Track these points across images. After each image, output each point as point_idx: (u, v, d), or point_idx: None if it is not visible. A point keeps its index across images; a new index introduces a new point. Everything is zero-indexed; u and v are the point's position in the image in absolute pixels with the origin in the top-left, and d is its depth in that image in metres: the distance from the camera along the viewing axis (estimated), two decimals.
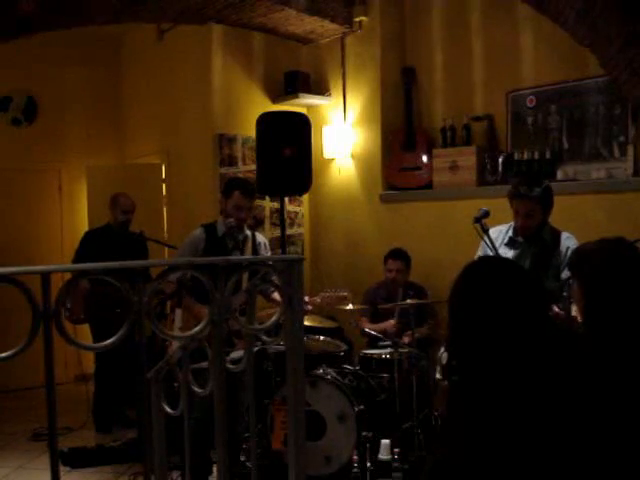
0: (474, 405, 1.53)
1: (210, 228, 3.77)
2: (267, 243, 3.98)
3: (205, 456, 3.55)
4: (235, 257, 3.51)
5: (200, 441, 3.10)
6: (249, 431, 1.91)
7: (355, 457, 3.49)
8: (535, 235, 3.29)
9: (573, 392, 1.51)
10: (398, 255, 4.54)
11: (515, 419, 1.46)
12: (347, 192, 5.59)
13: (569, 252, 3.31)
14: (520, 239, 3.41)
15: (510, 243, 3.47)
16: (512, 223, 3.50)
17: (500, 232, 3.54)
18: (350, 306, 4.03)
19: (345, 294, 3.79)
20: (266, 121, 3.69)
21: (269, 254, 3.95)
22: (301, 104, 5.62)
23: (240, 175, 5.39)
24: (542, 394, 1.48)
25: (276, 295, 3.70)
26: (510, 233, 3.48)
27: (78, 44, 5.98)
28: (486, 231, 3.27)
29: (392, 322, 4.29)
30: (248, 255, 3.73)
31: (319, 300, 3.75)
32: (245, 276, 3.24)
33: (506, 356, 1.52)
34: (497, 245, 3.47)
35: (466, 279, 1.68)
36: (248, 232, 3.81)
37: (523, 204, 3.27)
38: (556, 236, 3.34)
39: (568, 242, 3.34)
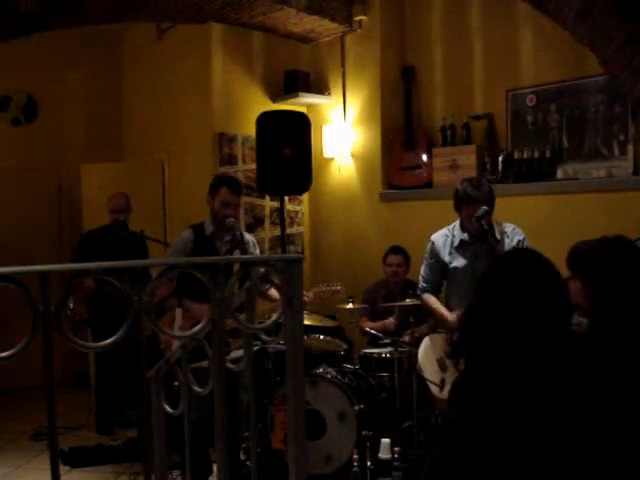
0: (476, 403, 1.53)
1: (198, 228, 3.74)
2: (255, 241, 3.95)
3: (205, 455, 3.55)
4: (235, 257, 3.51)
5: (198, 441, 3.10)
6: (249, 430, 1.91)
7: (355, 456, 3.49)
8: (482, 232, 3.30)
9: (578, 393, 1.51)
10: (398, 250, 4.56)
11: (516, 419, 1.46)
12: (347, 191, 5.59)
13: (523, 244, 3.40)
14: (470, 240, 3.47)
15: (461, 246, 3.50)
16: (454, 225, 3.56)
17: (446, 237, 3.58)
18: (350, 305, 4.03)
19: (338, 288, 3.77)
20: (266, 120, 3.69)
21: (258, 252, 3.92)
22: (301, 103, 5.62)
23: (240, 174, 5.40)
24: (546, 395, 1.48)
25: (272, 292, 3.68)
26: (457, 236, 3.52)
27: (78, 44, 5.98)
28: (486, 230, 3.28)
29: (391, 320, 4.29)
30: (237, 254, 3.69)
31: (311, 295, 3.71)
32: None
33: (517, 353, 1.51)
34: (446, 250, 3.51)
35: (500, 268, 1.67)
36: (236, 231, 3.77)
37: (477, 207, 3.31)
38: (501, 230, 3.39)
39: (517, 235, 3.43)
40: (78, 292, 4.59)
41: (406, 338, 4.09)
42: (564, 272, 2.09)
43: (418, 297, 3.76)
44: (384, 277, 4.62)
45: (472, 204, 3.34)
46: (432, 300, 3.67)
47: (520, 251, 2.21)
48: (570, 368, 1.53)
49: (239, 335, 2.91)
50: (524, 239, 3.45)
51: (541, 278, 1.59)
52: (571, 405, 1.48)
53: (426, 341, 3.73)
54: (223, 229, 3.67)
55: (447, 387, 3.52)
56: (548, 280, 1.59)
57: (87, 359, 5.47)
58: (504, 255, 1.92)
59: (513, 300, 1.56)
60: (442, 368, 3.59)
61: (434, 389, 3.60)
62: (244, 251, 3.66)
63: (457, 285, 3.54)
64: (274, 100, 5.61)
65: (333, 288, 3.75)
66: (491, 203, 3.37)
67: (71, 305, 4.56)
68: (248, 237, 3.89)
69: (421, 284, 3.73)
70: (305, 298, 3.66)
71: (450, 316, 3.50)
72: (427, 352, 3.68)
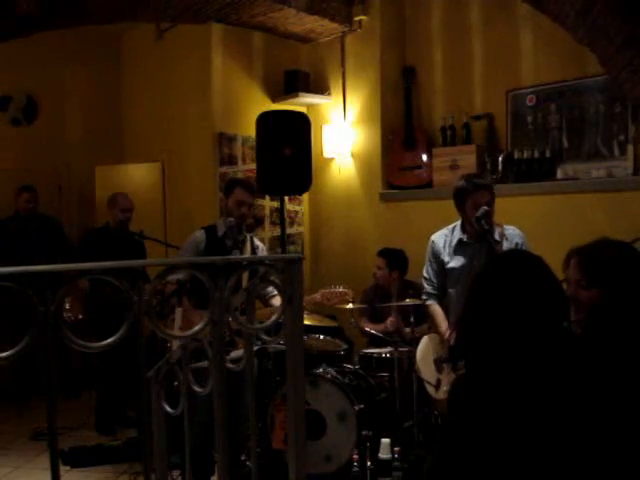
0: (476, 403, 1.53)
1: (210, 229, 3.79)
2: (264, 248, 3.98)
3: (207, 456, 3.55)
4: (235, 257, 3.51)
5: (204, 441, 3.11)
6: (249, 430, 1.92)
7: (355, 456, 3.49)
8: (482, 234, 3.29)
9: (579, 394, 1.51)
10: (381, 253, 4.55)
11: (517, 420, 1.46)
12: (347, 191, 5.60)
13: (521, 247, 3.38)
14: (469, 240, 3.45)
15: (460, 246, 3.49)
16: (455, 225, 3.54)
17: (445, 237, 3.56)
18: (350, 305, 4.03)
19: (346, 291, 3.78)
20: (266, 120, 3.69)
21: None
22: (301, 103, 5.62)
23: (240, 174, 5.40)
24: (546, 394, 1.48)
25: (274, 301, 3.70)
26: (456, 236, 3.51)
27: (78, 44, 5.98)
28: (487, 230, 3.28)
29: (391, 319, 4.28)
30: (237, 254, 3.72)
31: (319, 297, 3.73)
32: (245, 276, 3.24)
33: (516, 353, 1.51)
34: (446, 250, 3.50)
35: (494, 270, 1.67)
36: (247, 233, 3.83)
37: (482, 195, 3.31)
38: (501, 232, 3.38)
39: (517, 238, 3.41)
40: (73, 292, 4.59)
41: (407, 329, 4.08)
42: (563, 272, 2.10)
43: (423, 301, 3.68)
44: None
45: (479, 191, 3.31)
46: (436, 313, 3.58)
47: (512, 252, 2.22)
48: (571, 368, 1.53)
49: None
50: (523, 242, 3.42)
51: (535, 278, 1.59)
52: (572, 405, 1.48)
53: (424, 341, 3.72)
54: (231, 230, 3.70)
55: (443, 387, 3.52)
56: (542, 280, 1.60)
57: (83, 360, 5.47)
58: (496, 257, 1.93)
59: (508, 301, 1.56)
60: (438, 368, 3.59)
61: (430, 389, 3.60)
62: (242, 253, 3.68)
63: (454, 285, 3.52)
64: (274, 100, 5.62)
65: (341, 290, 3.76)
66: (493, 197, 3.37)
67: (67, 306, 4.55)
68: (258, 242, 3.94)
69: (425, 287, 3.64)
70: (314, 298, 3.70)
71: (447, 334, 3.46)
72: (424, 352, 3.68)
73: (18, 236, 5.22)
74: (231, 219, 3.72)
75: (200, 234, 3.77)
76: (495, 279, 1.62)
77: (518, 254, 1.84)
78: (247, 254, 3.78)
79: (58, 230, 5.52)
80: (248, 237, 3.83)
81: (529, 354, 1.51)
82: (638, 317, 1.82)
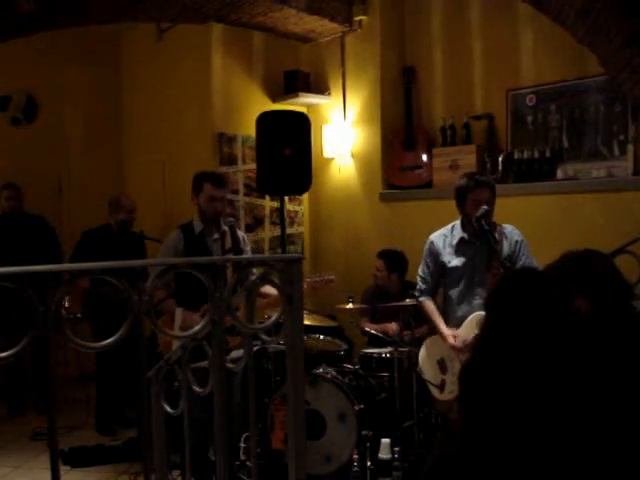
0: (480, 404, 1.53)
1: (187, 228, 3.73)
2: (245, 237, 3.93)
3: (204, 455, 3.54)
4: (235, 257, 3.51)
5: (201, 440, 3.11)
6: (249, 430, 1.92)
7: (355, 456, 3.48)
8: (483, 232, 3.30)
9: (581, 399, 1.51)
10: (381, 255, 4.53)
11: (520, 422, 1.46)
12: (347, 191, 5.60)
13: (520, 245, 3.43)
14: (470, 239, 3.46)
15: (461, 244, 3.49)
16: (454, 225, 3.55)
17: (445, 237, 3.57)
18: (350, 305, 4.03)
19: (332, 277, 3.76)
20: (266, 120, 3.69)
21: (249, 248, 3.91)
22: (301, 103, 5.62)
23: (240, 174, 5.40)
24: (550, 400, 1.48)
25: (265, 289, 3.64)
26: (456, 235, 3.51)
27: (78, 43, 5.97)
28: (487, 230, 3.28)
29: (394, 326, 4.26)
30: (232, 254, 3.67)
31: (304, 286, 3.69)
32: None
33: (528, 364, 1.51)
34: (446, 250, 3.51)
35: (510, 288, 1.68)
36: (225, 227, 3.71)
37: (483, 192, 3.33)
38: (500, 231, 3.41)
39: (516, 236, 3.45)
40: (73, 291, 4.58)
41: (406, 339, 4.08)
42: None
43: (415, 299, 3.70)
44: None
45: (479, 188, 3.34)
46: (431, 309, 3.61)
47: (523, 274, 2.20)
48: (580, 380, 1.54)
49: (237, 332, 2.91)
50: (522, 240, 3.45)
51: (550, 303, 1.60)
52: (576, 412, 1.48)
53: (426, 343, 3.72)
54: (213, 225, 3.66)
55: (447, 389, 3.52)
56: (556, 304, 1.61)
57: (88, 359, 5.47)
58: (508, 280, 1.90)
59: (528, 326, 1.56)
60: (442, 370, 3.59)
61: (434, 391, 3.59)
62: (239, 252, 3.65)
63: (456, 284, 3.52)
64: (274, 100, 5.62)
65: (326, 278, 3.74)
66: (494, 195, 3.38)
67: (66, 304, 4.54)
68: (239, 233, 3.88)
69: (419, 285, 3.68)
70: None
71: (447, 332, 3.47)
72: (427, 354, 3.68)
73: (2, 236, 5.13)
74: (231, 219, 3.71)
75: (177, 235, 3.70)
76: (513, 305, 1.62)
77: (530, 276, 1.83)
78: (228, 247, 3.71)
79: (47, 230, 5.38)
80: (227, 229, 3.70)
81: (542, 362, 1.51)
82: (617, 330, 1.83)
